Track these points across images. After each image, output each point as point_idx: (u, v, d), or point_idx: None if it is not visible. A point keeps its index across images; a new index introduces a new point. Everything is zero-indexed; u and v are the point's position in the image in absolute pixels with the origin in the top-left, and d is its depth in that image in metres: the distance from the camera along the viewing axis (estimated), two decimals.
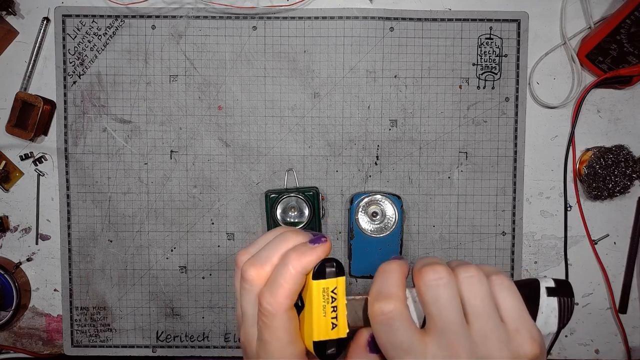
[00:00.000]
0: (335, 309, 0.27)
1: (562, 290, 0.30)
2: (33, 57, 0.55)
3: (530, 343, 0.26)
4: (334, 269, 0.28)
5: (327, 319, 0.27)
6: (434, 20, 0.55)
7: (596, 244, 0.57)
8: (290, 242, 0.29)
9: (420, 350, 0.26)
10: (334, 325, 0.27)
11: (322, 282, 0.27)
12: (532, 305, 0.29)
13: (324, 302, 0.27)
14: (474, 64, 0.56)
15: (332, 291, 0.28)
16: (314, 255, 0.28)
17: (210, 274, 0.57)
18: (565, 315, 0.30)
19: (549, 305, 0.30)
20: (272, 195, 0.54)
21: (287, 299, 0.27)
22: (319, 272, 0.28)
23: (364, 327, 0.29)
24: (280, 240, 0.30)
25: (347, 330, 0.28)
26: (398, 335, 0.26)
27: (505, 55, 0.56)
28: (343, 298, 0.28)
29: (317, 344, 0.27)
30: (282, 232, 0.31)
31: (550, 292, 0.30)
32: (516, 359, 0.26)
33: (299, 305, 0.29)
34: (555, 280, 0.30)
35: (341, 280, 0.28)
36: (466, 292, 0.27)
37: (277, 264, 0.28)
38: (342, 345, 0.28)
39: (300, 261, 0.28)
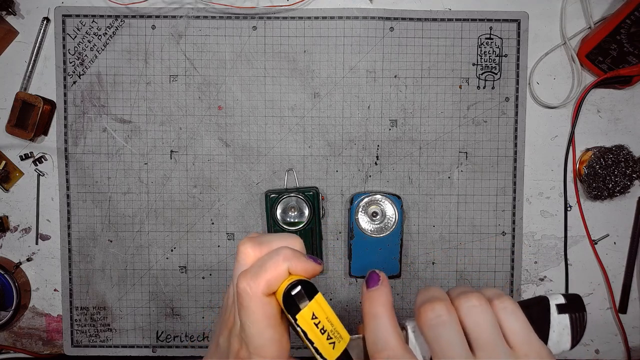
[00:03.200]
0: (323, 329, 0.27)
1: (573, 306, 0.29)
2: (33, 57, 0.55)
3: None
4: (301, 292, 0.27)
5: (324, 342, 0.27)
6: (434, 20, 0.55)
7: (596, 244, 0.57)
8: (290, 245, 0.30)
9: None
10: (333, 344, 0.27)
11: (306, 312, 0.27)
12: (543, 324, 0.29)
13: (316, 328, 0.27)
14: (474, 64, 0.56)
15: (313, 316, 0.27)
16: (305, 262, 0.28)
17: (210, 274, 0.57)
18: (578, 331, 0.29)
19: (560, 323, 0.29)
20: (272, 195, 0.54)
21: (266, 285, 0.27)
22: (290, 297, 0.27)
23: None
24: (285, 237, 0.30)
25: (348, 337, 0.28)
26: None
27: (505, 55, 0.56)
28: (324, 315, 0.27)
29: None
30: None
31: (561, 309, 0.29)
32: None
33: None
34: (565, 296, 0.30)
35: (314, 303, 0.27)
36: (469, 323, 0.27)
37: (270, 252, 0.29)
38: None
39: (291, 258, 0.28)
